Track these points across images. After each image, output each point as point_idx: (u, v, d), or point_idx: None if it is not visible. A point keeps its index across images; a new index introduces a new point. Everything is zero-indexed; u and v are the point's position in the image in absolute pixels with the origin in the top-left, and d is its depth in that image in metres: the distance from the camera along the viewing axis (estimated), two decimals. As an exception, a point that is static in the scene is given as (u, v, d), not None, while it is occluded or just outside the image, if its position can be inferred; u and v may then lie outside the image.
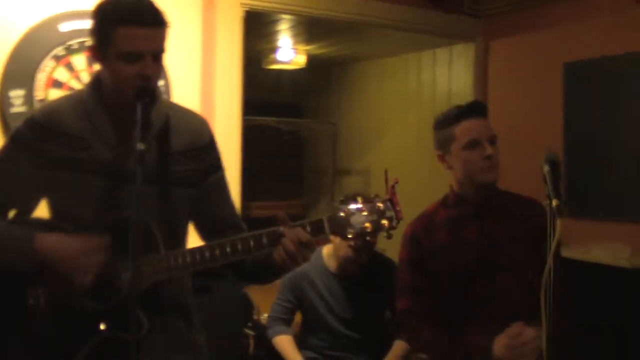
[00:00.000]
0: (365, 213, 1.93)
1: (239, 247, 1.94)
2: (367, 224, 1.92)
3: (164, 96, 3.49)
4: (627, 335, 3.48)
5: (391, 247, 3.71)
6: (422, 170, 5.78)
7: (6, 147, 2.05)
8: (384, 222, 1.93)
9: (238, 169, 3.87)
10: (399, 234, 2.63)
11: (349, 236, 1.94)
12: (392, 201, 1.95)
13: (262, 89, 6.93)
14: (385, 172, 2.08)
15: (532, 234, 2.43)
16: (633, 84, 3.87)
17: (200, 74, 3.77)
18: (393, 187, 1.97)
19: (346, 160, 6.89)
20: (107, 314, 1.94)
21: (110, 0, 1.95)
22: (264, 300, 4.30)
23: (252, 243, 1.94)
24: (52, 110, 2.06)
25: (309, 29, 5.38)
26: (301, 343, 3.65)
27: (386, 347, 3.55)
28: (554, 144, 4.08)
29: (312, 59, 6.44)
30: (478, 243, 2.51)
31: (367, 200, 1.94)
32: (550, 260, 1.99)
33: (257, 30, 5.26)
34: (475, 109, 2.55)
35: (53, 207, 2.09)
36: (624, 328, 3.50)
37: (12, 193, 2.04)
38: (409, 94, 6.09)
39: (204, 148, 2.14)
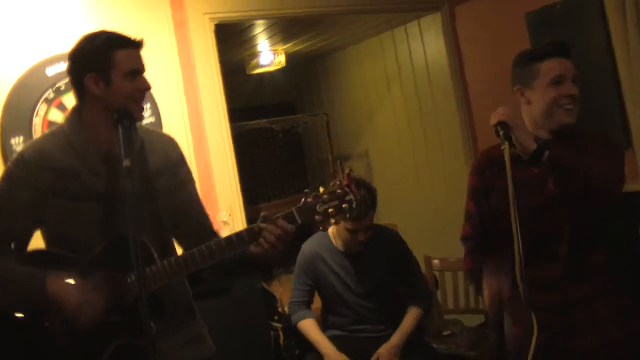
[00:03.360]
0: (327, 200, 2.21)
1: (224, 244, 2.19)
2: (330, 210, 2.20)
3: (152, 118, 3.71)
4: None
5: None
6: (416, 141, 5.96)
7: (0, 186, 2.22)
8: (345, 205, 2.21)
9: (235, 173, 4.06)
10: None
11: (317, 221, 2.21)
12: (349, 186, 2.22)
13: (252, 94, 7.12)
14: (339, 162, 2.45)
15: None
16: (585, 25, 4.02)
17: (184, 91, 3.93)
18: (348, 174, 2.25)
19: (344, 146, 7.05)
20: (117, 324, 2.14)
21: (97, 33, 2.22)
22: (285, 292, 4.47)
23: (235, 239, 2.19)
24: (39, 147, 2.24)
25: (283, 28, 5.51)
26: (325, 323, 3.79)
27: (403, 314, 3.71)
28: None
29: (293, 57, 6.59)
30: (536, 183, 2.46)
31: (328, 189, 2.22)
32: (510, 191, 2.14)
33: (233, 38, 5.42)
34: (561, 49, 2.55)
35: (49, 236, 2.26)
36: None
37: (10, 228, 2.21)
38: (389, 72, 6.24)
39: (176, 164, 2.38)
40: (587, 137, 2.56)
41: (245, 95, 7.02)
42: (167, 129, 3.78)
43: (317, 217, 2.20)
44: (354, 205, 2.20)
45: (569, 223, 2.48)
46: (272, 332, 4.34)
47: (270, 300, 4.48)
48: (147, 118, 3.70)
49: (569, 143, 2.48)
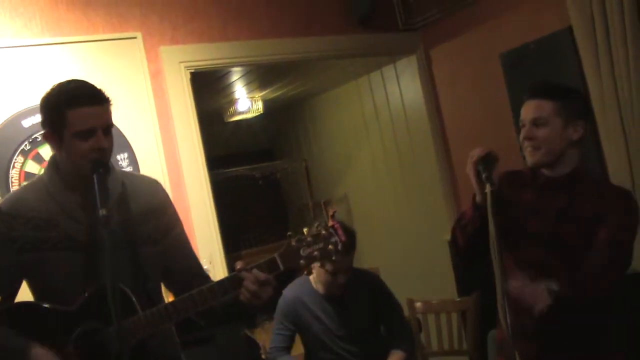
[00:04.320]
0: (312, 243, 2.16)
1: (206, 293, 2.14)
2: (315, 253, 2.15)
3: (130, 168, 3.69)
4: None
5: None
6: (395, 184, 5.96)
7: None
8: (330, 247, 2.15)
9: (215, 221, 4.03)
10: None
11: (301, 266, 2.15)
12: (334, 227, 2.17)
13: (231, 142, 7.13)
14: (323, 203, 2.35)
15: (596, 215, 2.47)
16: (558, 62, 4.06)
17: (162, 140, 3.91)
18: (333, 215, 2.19)
19: (324, 191, 7.03)
20: None
21: (54, 90, 2.17)
22: (268, 339, 4.42)
23: (216, 288, 2.15)
24: (17, 199, 2.23)
25: (259, 75, 5.54)
26: (308, 367, 3.76)
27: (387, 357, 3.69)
28: (506, 133, 4.27)
29: (270, 103, 6.62)
30: (531, 210, 2.58)
31: (312, 232, 2.17)
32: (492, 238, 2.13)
33: (210, 87, 5.44)
34: (534, 91, 2.62)
35: (35, 287, 2.24)
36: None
37: None
38: (367, 116, 6.25)
39: (161, 206, 2.35)
40: (604, 189, 2.61)
41: (224, 143, 7.03)
42: (145, 177, 3.73)
43: (301, 261, 2.15)
44: (339, 248, 2.15)
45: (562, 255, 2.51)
46: (255, 380, 4.28)
47: (253, 347, 4.43)
48: (125, 168, 3.69)
49: (582, 190, 2.54)
